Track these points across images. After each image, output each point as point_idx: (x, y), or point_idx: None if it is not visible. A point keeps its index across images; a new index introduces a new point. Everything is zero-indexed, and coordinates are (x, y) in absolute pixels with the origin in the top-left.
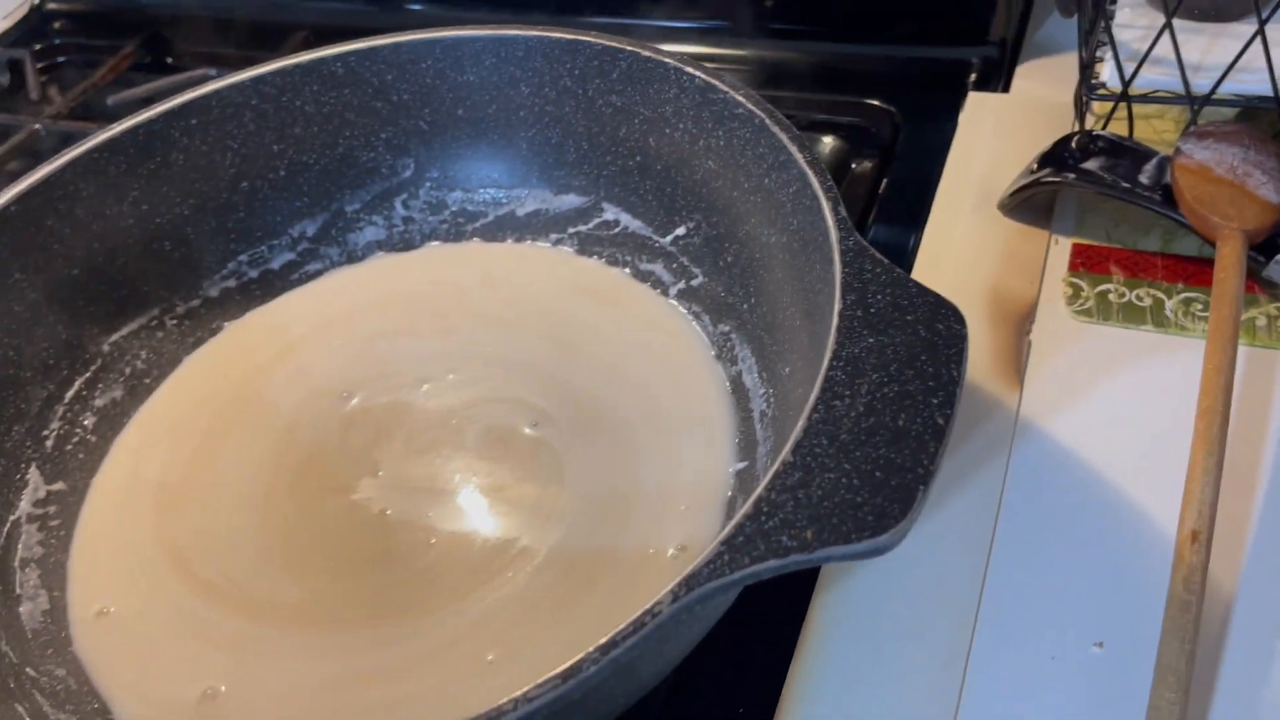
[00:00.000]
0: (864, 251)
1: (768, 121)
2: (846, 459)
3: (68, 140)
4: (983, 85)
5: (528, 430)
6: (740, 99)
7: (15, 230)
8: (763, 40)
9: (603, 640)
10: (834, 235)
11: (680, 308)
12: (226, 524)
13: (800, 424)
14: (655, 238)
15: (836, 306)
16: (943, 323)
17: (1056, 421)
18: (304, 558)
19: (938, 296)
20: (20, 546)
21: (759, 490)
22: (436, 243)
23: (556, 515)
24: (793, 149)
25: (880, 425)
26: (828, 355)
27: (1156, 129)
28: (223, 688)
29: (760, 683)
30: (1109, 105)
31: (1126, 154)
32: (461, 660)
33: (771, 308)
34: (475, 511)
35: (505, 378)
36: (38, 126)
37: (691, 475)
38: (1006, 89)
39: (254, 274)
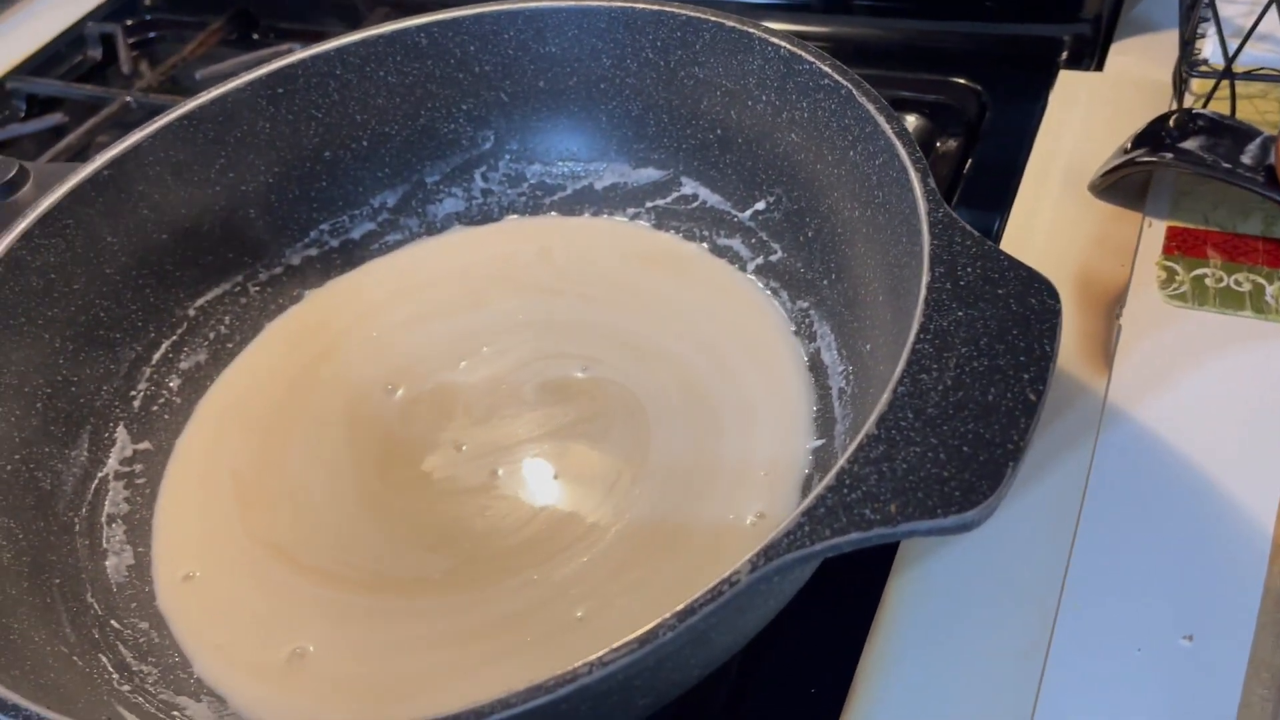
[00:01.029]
0: (953, 223)
1: (855, 92)
2: (933, 433)
3: (157, 113)
4: (1075, 64)
5: (579, 374)
6: (827, 69)
7: (108, 195)
8: (847, 17)
9: (680, 607)
10: (922, 207)
11: (758, 283)
12: (307, 494)
13: (885, 396)
14: (734, 212)
15: (925, 279)
16: (1035, 297)
17: (1146, 407)
18: (388, 529)
19: (1030, 270)
20: (108, 502)
21: (841, 462)
22: (515, 216)
23: (637, 473)
24: (880, 120)
25: (969, 400)
26: (915, 328)
27: (1260, 109)
28: (311, 648)
29: (833, 662)
30: (1210, 83)
31: (1228, 133)
32: (550, 619)
33: (853, 284)
34: (553, 475)
35: (539, 339)
36: (129, 99)
37: (768, 446)
38: (1100, 67)
39: (335, 243)
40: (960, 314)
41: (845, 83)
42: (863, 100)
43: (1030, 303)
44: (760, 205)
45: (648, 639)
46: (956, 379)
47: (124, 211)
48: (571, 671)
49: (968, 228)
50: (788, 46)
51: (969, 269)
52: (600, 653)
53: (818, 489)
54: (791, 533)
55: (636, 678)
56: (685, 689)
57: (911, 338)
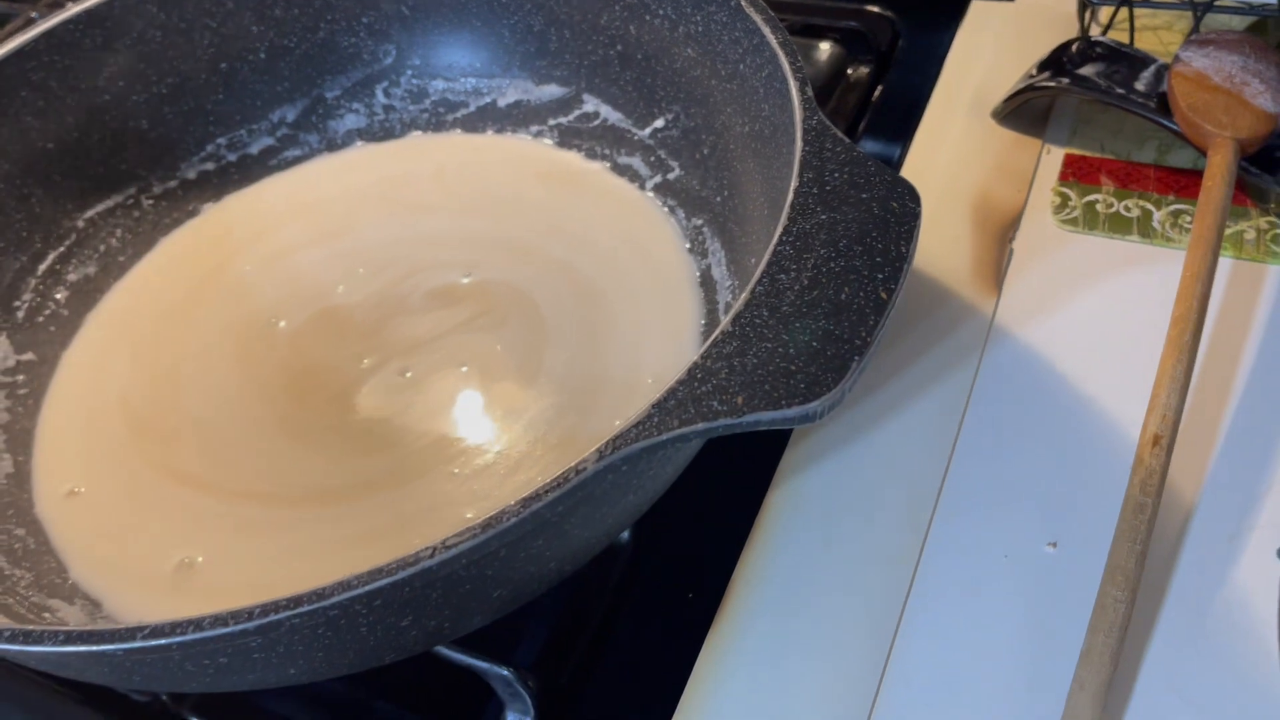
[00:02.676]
0: (825, 131)
1: (743, 3)
2: (785, 330)
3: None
4: None
5: (463, 280)
6: None
7: None
8: None
9: (526, 494)
10: (798, 115)
11: (656, 200)
12: (198, 409)
13: (744, 296)
14: (634, 130)
15: (793, 184)
16: (897, 201)
17: (1031, 328)
18: (279, 442)
19: (895, 175)
20: None
21: (694, 358)
22: (418, 132)
23: (537, 367)
24: (765, 30)
25: (822, 298)
26: (779, 231)
27: (1164, 40)
28: (199, 558)
29: (713, 564)
30: (1111, 11)
31: (1124, 61)
32: (441, 520)
33: (742, 200)
34: (461, 367)
35: (417, 253)
36: (34, 15)
37: (657, 357)
38: None
39: (233, 158)
40: (823, 217)
41: None
42: (749, 10)
43: (891, 206)
44: (659, 123)
45: (490, 524)
46: (813, 278)
47: (6, 119)
48: (414, 555)
49: (840, 135)
50: None
51: (836, 175)
52: (444, 537)
53: (670, 383)
54: (641, 423)
55: (487, 566)
56: (547, 584)
57: (774, 240)
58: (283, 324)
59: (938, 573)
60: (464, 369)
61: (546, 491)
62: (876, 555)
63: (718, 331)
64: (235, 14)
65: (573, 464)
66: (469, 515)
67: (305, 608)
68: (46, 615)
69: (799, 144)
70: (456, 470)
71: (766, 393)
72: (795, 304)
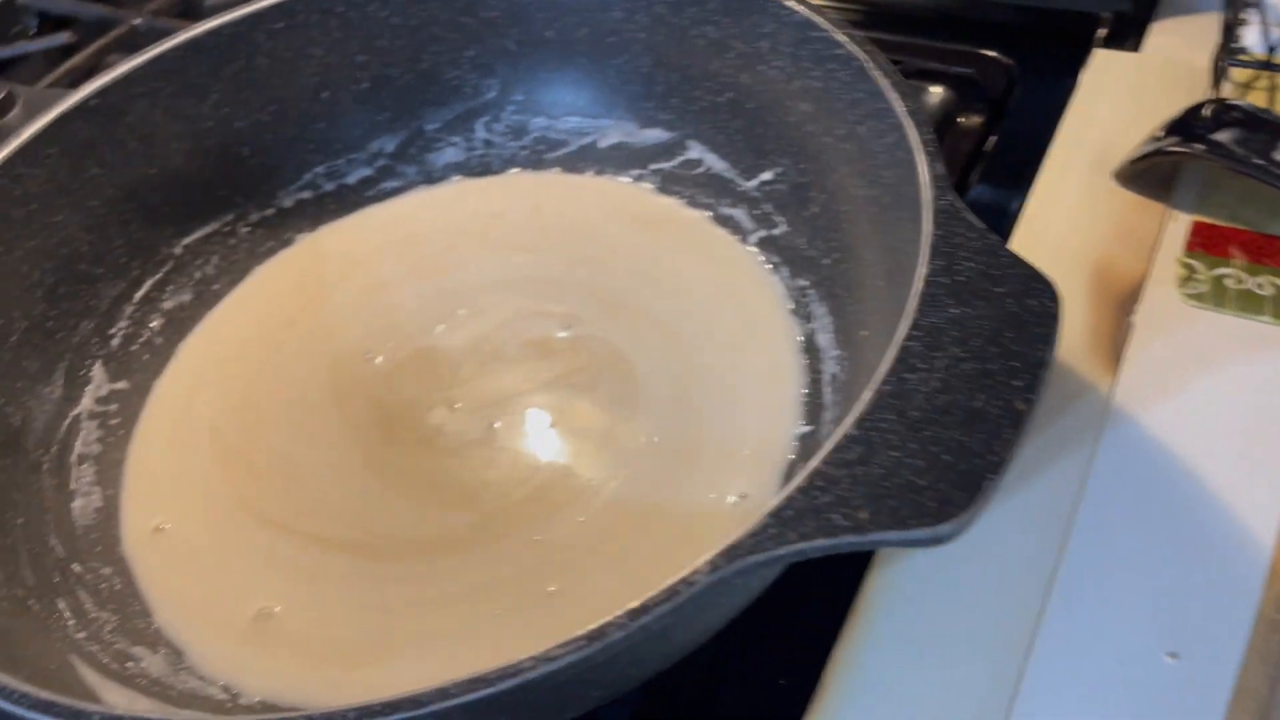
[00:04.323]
0: (957, 213)
1: (868, 65)
2: (913, 437)
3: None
4: (1112, 42)
5: (560, 334)
6: (840, 38)
7: (95, 125)
8: None
9: (633, 605)
10: (926, 194)
11: (759, 256)
12: (287, 443)
13: (868, 395)
14: (739, 180)
15: (921, 271)
16: (1035, 298)
17: (1153, 411)
18: (365, 482)
19: (1032, 269)
20: (79, 442)
21: (815, 462)
22: (516, 169)
23: (628, 428)
24: (892, 96)
25: (954, 404)
26: (906, 324)
27: None
28: (277, 608)
29: (806, 653)
30: (1250, 73)
31: (1264, 127)
32: (524, 590)
33: (855, 266)
34: (550, 426)
35: (517, 299)
36: (137, 22)
37: (755, 426)
38: (1137, 48)
39: (330, 187)
40: (955, 311)
41: (859, 54)
42: (876, 74)
43: (1029, 304)
44: (767, 175)
45: (596, 636)
46: (944, 381)
47: (112, 143)
48: (514, 666)
49: (973, 219)
50: (802, 11)
51: (969, 263)
52: (547, 647)
53: (788, 489)
54: (756, 534)
55: (587, 673)
56: (644, 680)
57: (901, 334)
58: (379, 359)
59: (1046, 678)
60: (553, 427)
61: (655, 604)
62: (979, 653)
63: (840, 434)
64: (341, 43)
65: (681, 575)
66: (552, 589)
67: (402, 714)
68: (129, 664)
69: (927, 226)
70: (539, 537)
71: (893, 509)
72: (924, 409)
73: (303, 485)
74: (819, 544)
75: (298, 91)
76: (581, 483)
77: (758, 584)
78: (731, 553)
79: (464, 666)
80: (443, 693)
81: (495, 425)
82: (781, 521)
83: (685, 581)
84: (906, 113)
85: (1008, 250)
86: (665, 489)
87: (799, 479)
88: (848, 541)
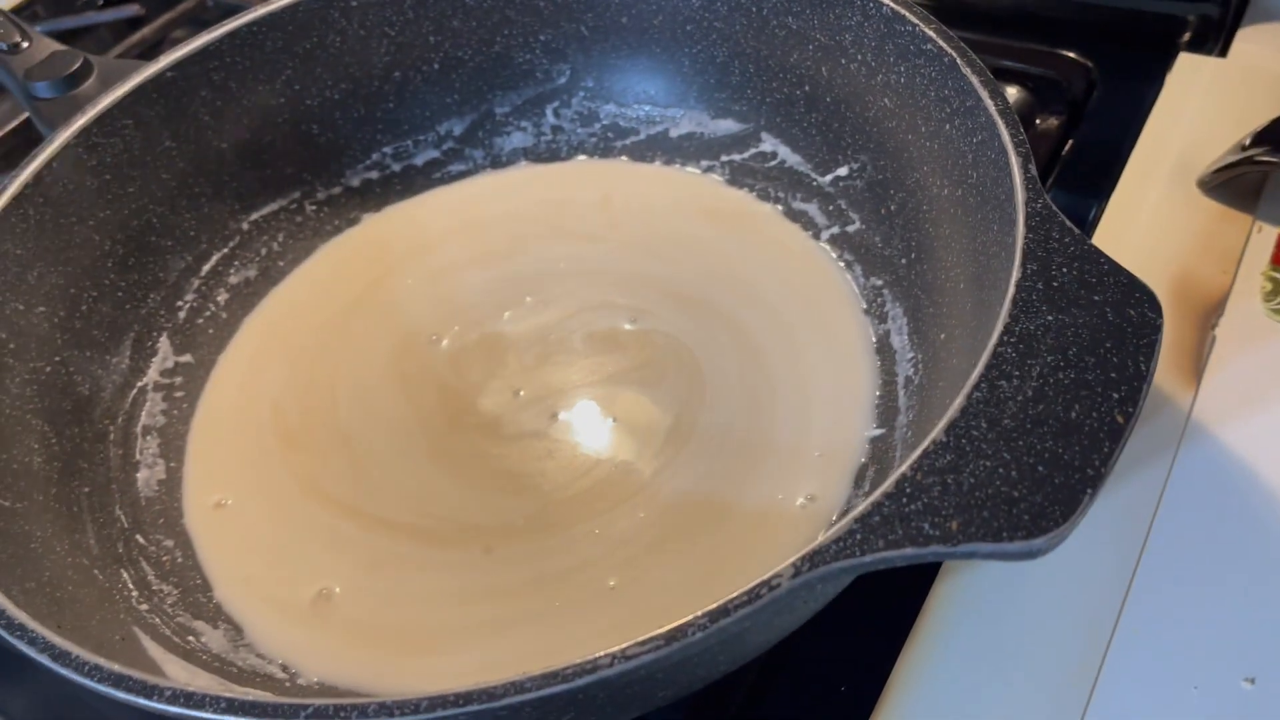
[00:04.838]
0: (1052, 217)
1: (959, 61)
2: (1007, 447)
3: (233, 13)
4: (1197, 46)
5: (627, 326)
6: (930, 33)
7: (169, 97)
8: None
9: (713, 606)
10: (1020, 195)
11: (831, 253)
12: (349, 422)
13: (958, 401)
14: (814, 175)
15: (1015, 275)
16: (1135, 308)
17: (1233, 428)
18: (426, 466)
19: (1132, 277)
20: (144, 414)
21: (904, 468)
22: (584, 156)
23: (691, 427)
24: (983, 94)
25: (1050, 414)
26: (998, 328)
27: None
28: (337, 589)
29: (869, 661)
30: None
31: None
32: (584, 584)
33: (934, 266)
34: (610, 420)
35: (585, 290)
36: None
37: (825, 427)
38: (1224, 53)
39: (397, 168)
40: (1050, 318)
41: (949, 50)
42: (966, 71)
43: (1129, 314)
44: (843, 171)
45: (675, 636)
46: (1039, 390)
47: (185, 116)
48: (591, 661)
49: (1067, 223)
50: (891, 5)
51: (1064, 269)
52: (624, 645)
53: (875, 495)
54: (841, 539)
55: (659, 672)
56: (710, 681)
57: (994, 339)
58: (445, 343)
59: (1117, 700)
60: (616, 421)
61: (736, 607)
62: (1046, 671)
63: (929, 440)
64: (414, 23)
65: (764, 578)
66: (612, 584)
67: (475, 706)
68: (190, 639)
69: (1021, 228)
70: (598, 531)
71: (985, 520)
72: (1018, 417)
73: (364, 466)
74: (907, 553)
75: (369, 70)
76: (643, 478)
77: (833, 589)
78: (816, 557)
79: (523, 659)
80: (517, 686)
81: (558, 415)
82: (869, 528)
83: (768, 584)
84: (999, 112)
85: (1107, 257)
86: (730, 488)
87: (887, 484)
88: (935, 551)
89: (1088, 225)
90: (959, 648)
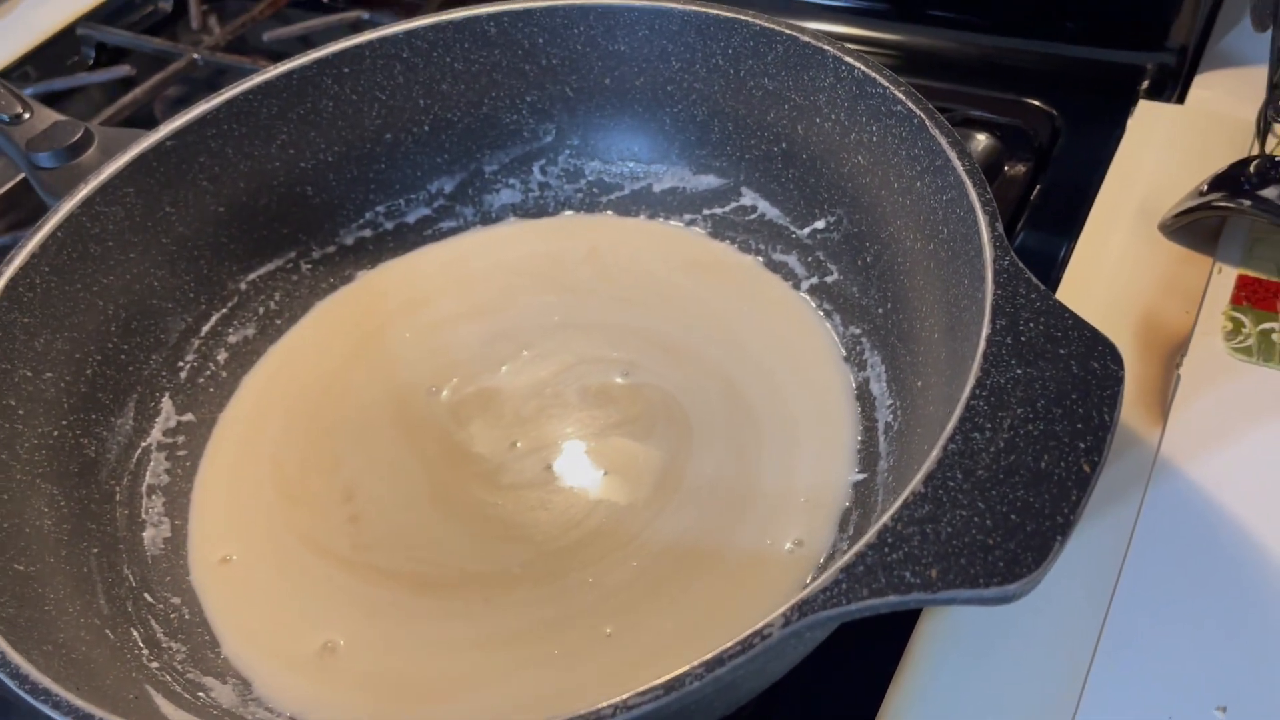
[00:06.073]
0: (1019, 274)
1: (928, 123)
2: (981, 497)
3: (223, 72)
4: (1155, 94)
5: (619, 380)
6: (900, 95)
7: (169, 165)
8: (921, 26)
9: (708, 656)
10: (988, 253)
11: (811, 302)
12: (350, 473)
13: (934, 454)
14: (793, 228)
15: (985, 331)
16: (1098, 361)
17: (1200, 465)
18: (427, 512)
19: (1094, 331)
20: (149, 473)
21: (885, 519)
22: (570, 212)
23: (681, 476)
24: (951, 155)
25: (1021, 464)
26: (970, 383)
27: None
28: (341, 641)
29: (855, 702)
30: None
31: None
32: (581, 632)
33: (909, 316)
34: (603, 471)
35: (580, 343)
36: (196, 56)
37: (810, 473)
38: (1182, 100)
39: (389, 226)
40: (1019, 372)
41: (919, 111)
42: (935, 132)
43: (1092, 366)
44: (820, 224)
45: (673, 686)
46: (1010, 441)
47: (184, 182)
48: (594, 712)
49: (1034, 280)
50: (862, 68)
51: (1031, 324)
52: (625, 695)
53: (859, 545)
54: (828, 589)
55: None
56: None
57: (966, 393)
58: (444, 394)
59: None
60: (608, 472)
61: (730, 656)
62: (1026, 706)
63: (908, 492)
64: (404, 87)
65: (755, 628)
66: (608, 631)
67: None
68: (201, 695)
69: (989, 285)
70: (593, 579)
71: (963, 568)
72: (991, 468)
73: (365, 517)
74: (890, 600)
75: (361, 133)
76: (636, 527)
77: (821, 635)
78: (805, 607)
79: (525, 708)
80: None
81: (553, 466)
82: (854, 578)
83: (759, 634)
84: (966, 172)
85: (1071, 312)
86: (720, 535)
87: (869, 535)
88: (917, 598)
89: (1056, 265)
90: (943, 684)
